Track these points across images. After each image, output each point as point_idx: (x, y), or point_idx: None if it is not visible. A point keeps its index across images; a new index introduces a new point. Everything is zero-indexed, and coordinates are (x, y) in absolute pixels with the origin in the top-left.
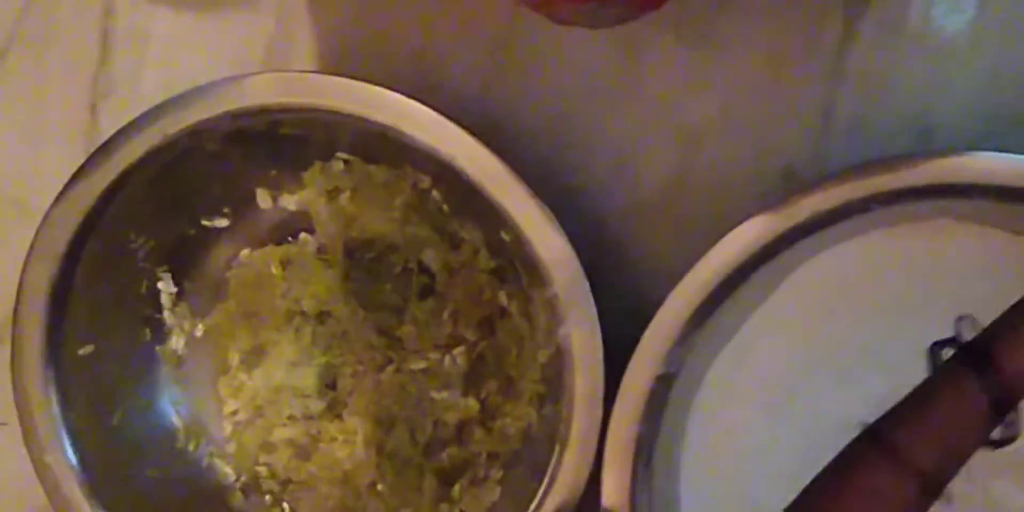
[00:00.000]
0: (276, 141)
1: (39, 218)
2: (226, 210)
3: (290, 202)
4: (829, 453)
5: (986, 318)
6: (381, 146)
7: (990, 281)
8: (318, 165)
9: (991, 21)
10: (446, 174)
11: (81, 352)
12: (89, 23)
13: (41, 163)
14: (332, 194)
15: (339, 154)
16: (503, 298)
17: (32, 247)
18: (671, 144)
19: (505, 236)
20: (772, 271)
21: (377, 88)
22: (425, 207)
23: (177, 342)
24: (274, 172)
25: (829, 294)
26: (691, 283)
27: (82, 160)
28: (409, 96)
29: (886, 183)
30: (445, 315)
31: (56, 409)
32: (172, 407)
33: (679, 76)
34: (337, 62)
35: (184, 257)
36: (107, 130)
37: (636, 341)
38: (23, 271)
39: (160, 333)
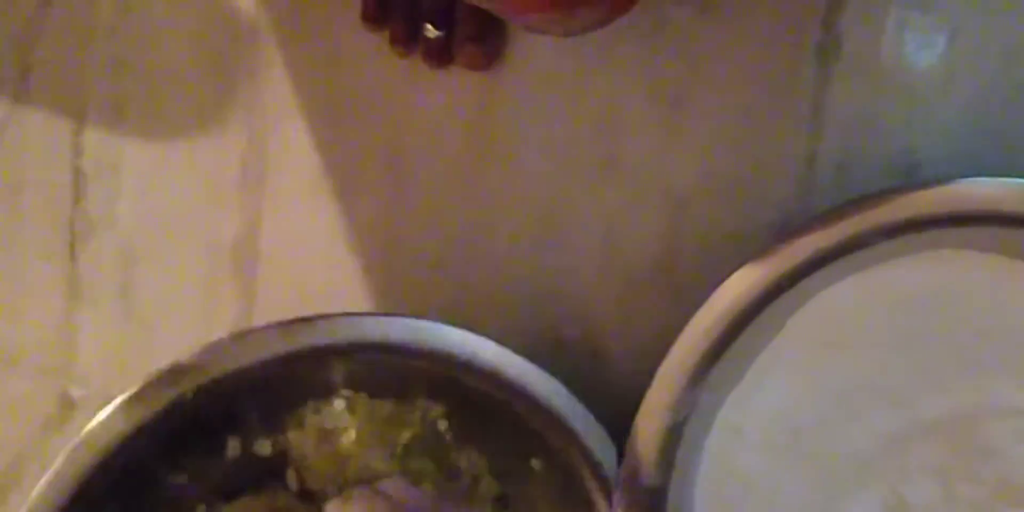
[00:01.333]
0: (257, 385)
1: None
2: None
3: (265, 447)
4: (838, 492)
5: (992, 345)
6: (389, 377)
7: (994, 308)
8: (311, 405)
9: (962, 53)
10: (468, 401)
11: None
12: (59, 164)
13: (23, 314)
14: (327, 435)
15: (341, 391)
16: None
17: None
18: (658, 212)
19: (535, 463)
20: (775, 313)
21: (395, 318)
22: (427, 438)
23: None
24: (253, 415)
25: (832, 332)
26: (694, 330)
27: (67, 304)
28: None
29: (881, 216)
30: None
31: None
32: None
33: (657, 142)
34: (311, 172)
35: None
36: (88, 271)
37: None
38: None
39: None
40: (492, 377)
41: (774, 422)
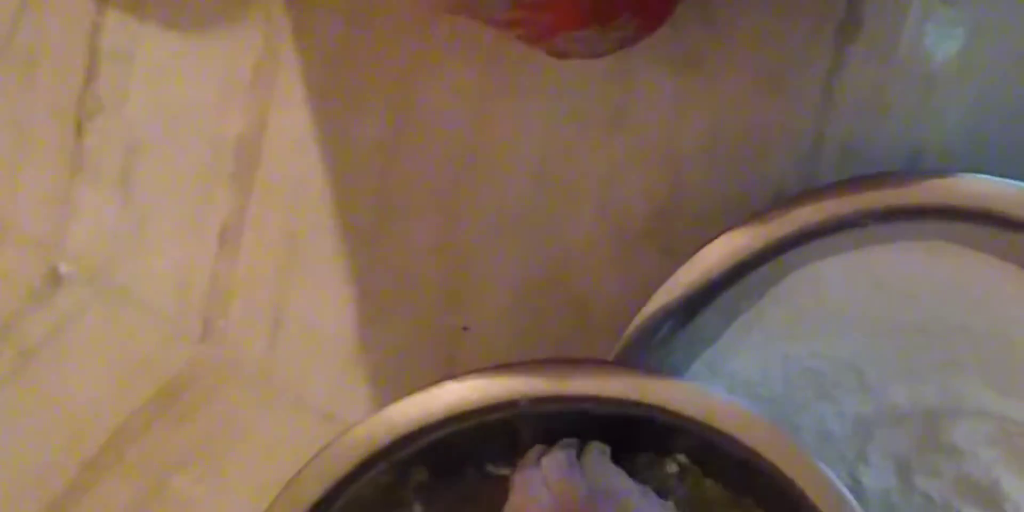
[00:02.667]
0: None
1: (18, 236)
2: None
3: None
4: None
5: (969, 344)
6: (723, 462)
7: (977, 307)
8: (648, 455)
9: (982, 49)
10: None
11: None
12: (77, 41)
13: (23, 183)
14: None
15: (677, 456)
16: None
17: (313, 462)
18: (659, 173)
19: None
20: (757, 280)
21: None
22: None
23: None
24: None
25: (811, 308)
26: (674, 285)
27: (66, 178)
28: None
29: (877, 199)
30: None
31: None
32: None
33: (667, 104)
34: (324, 82)
35: (447, 496)
36: (92, 151)
37: None
38: (293, 480)
39: None
40: None
41: (742, 389)
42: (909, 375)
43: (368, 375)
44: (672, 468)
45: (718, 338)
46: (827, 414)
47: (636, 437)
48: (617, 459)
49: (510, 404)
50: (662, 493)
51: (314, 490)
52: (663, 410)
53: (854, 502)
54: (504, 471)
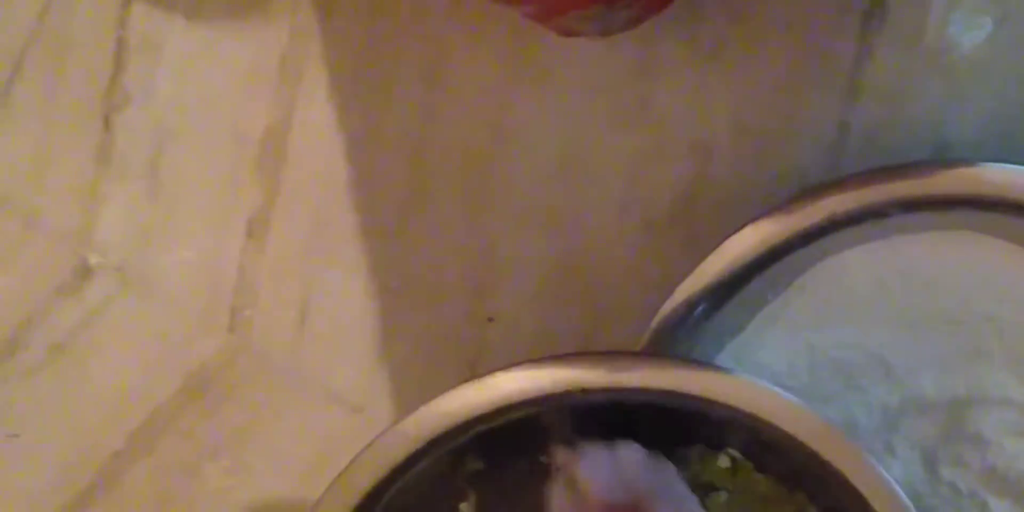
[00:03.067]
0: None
1: (47, 227)
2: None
3: None
4: None
5: (997, 334)
6: (776, 457)
7: (1005, 297)
8: (700, 448)
9: (1008, 38)
10: None
11: None
12: (104, 33)
13: (51, 175)
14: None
15: (729, 450)
16: None
17: (365, 452)
18: (683, 162)
19: None
20: (783, 270)
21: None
22: None
23: None
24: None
25: (838, 298)
26: (700, 276)
27: (94, 170)
28: None
29: (903, 189)
30: None
31: None
32: None
33: (691, 91)
34: (350, 72)
35: (500, 486)
36: (120, 143)
37: None
38: (344, 471)
39: None
40: None
41: (768, 380)
42: (935, 365)
43: (395, 365)
44: (724, 462)
45: (744, 329)
46: (853, 405)
47: (688, 430)
48: (669, 453)
49: (563, 395)
50: (713, 487)
51: (366, 480)
52: (715, 403)
53: (906, 499)
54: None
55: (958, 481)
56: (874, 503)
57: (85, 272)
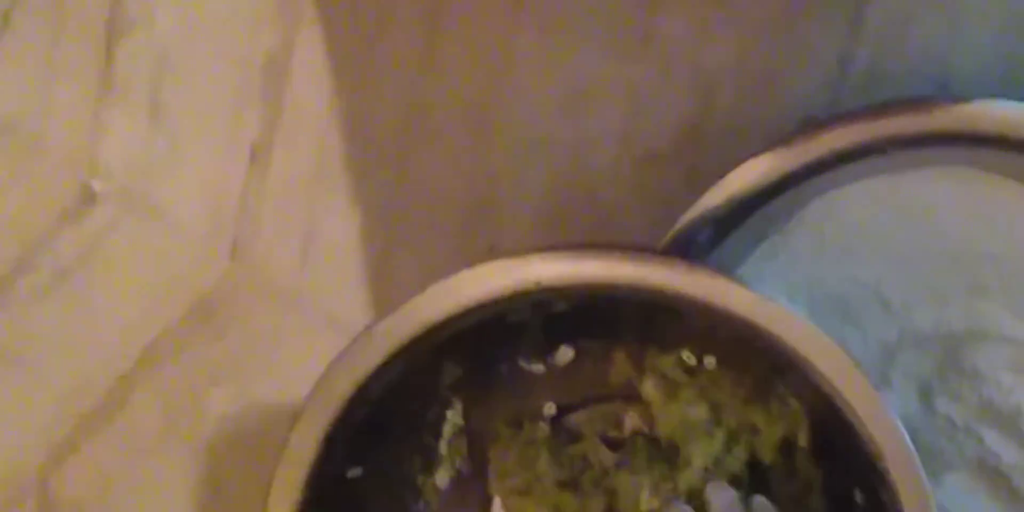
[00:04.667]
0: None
1: (51, 154)
2: (540, 356)
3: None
4: None
5: (995, 270)
6: (751, 355)
7: (1003, 233)
8: (675, 351)
9: None
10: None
11: (349, 474)
12: None
13: (55, 102)
14: (670, 388)
15: (707, 358)
16: None
17: (344, 355)
18: (686, 96)
19: (858, 496)
20: (783, 204)
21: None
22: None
23: (442, 477)
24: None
25: (837, 233)
26: (701, 209)
27: (97, 97)
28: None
29: (904, 126)
30: None
31: None
32: None
33: (694, 26)
34: (349, 5)
35: (485, 392)
36: (122, 70)
37: None
38: (324, 376)
39: (430, 463)
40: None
41: None
42: (933, 300)
43: (396, 292)
44: (691, 361)
45: (743, 263)
46: (851, 339)
47: (664, 334)
48: (641, 355)
49: (524, 292)
50: (685, 387)
51: (346, 386)
52: (680, 295)
53: (868, 378)
54: (536, 367)
55: (953, 414)
56: (843, 390)
57: (89, 198)
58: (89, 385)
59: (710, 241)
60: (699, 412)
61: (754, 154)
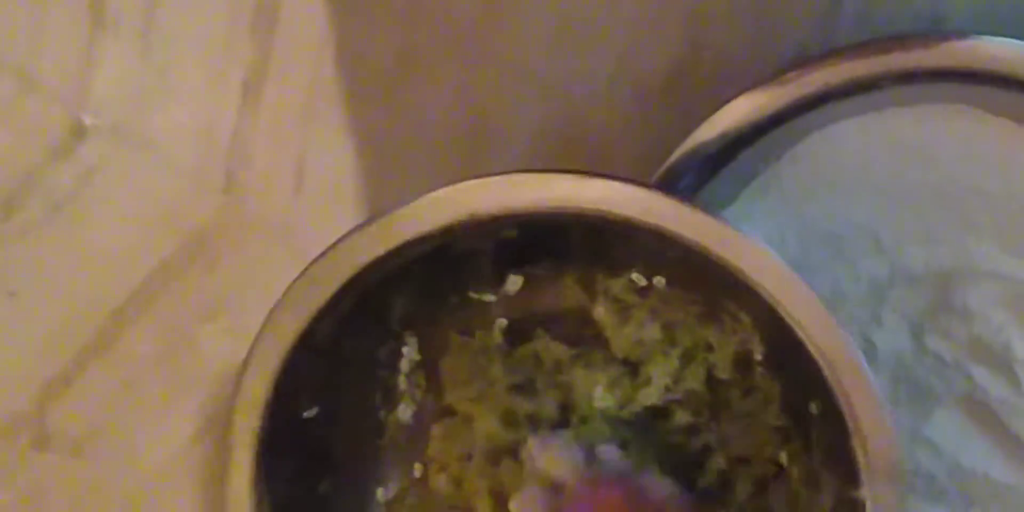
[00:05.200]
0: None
1: (42, 88)
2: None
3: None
4: None
5: (987, 207)
6: (703, 273)
7: (995, 170)
8: (624, 275)
9: None
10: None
11: (305, 415)
12: None
13: (45, 31)
14: (622, 311)
15: (656, 279)
16: (783, 459)
17: (286, 296)
18: (678, 31)
19: (813, 407)
20: (774, 141)
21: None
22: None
23: (404, 412)
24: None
25: (829, 170)
26: (691, 145)
27: (88, 30)
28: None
29: (897, 61)
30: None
31: (260, 468)
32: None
33: None
34: None
35: (437, 326)
36: (112, 4)
37: None
38: (268, 318)
39: (390, 398)
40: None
41: None
42: (924, 237)
43: None
44: (641, 281)
45: (735, 200)
46: (842, 276)
47: (612, 258)
48: (591, 279)
49: (462, 223)
50: (630, 307)
51: (294, 322)
52: (611, 215)
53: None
54: (487, 296)
55: (944, 352)
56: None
57: (80, 132)
58: (82, 320)
59: (700, 178)
60: (653, 332)
61: (745, 90)
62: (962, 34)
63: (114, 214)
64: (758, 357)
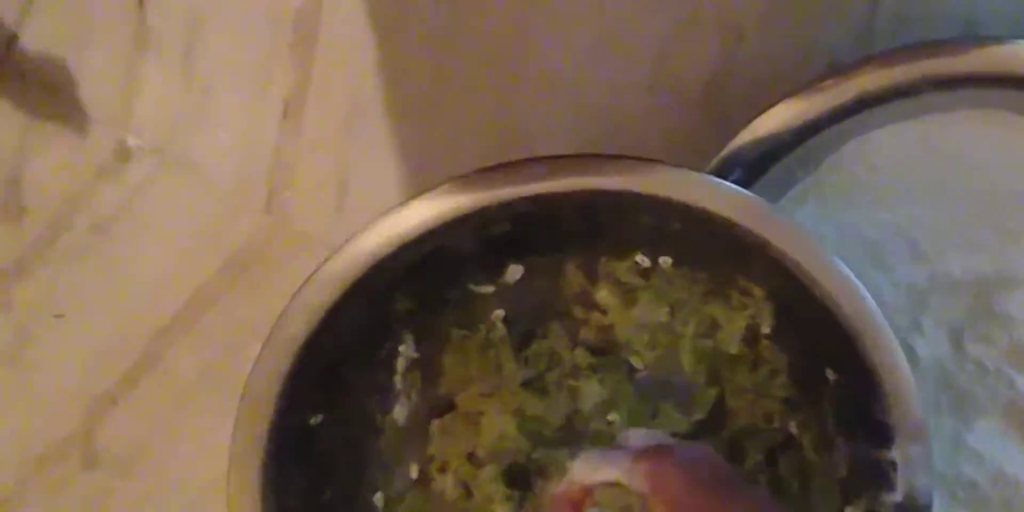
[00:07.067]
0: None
1: (86, 111)
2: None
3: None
4: None
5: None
6: (712, 249)
7: None
8: (630, 256)
9: None
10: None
11: (312, 422)
12: None
13: (90, 60)
14: (627, 293)
15: (662, 259)
16: (793, 428)
17: (294, 300)
18: (715, 41)
19: (829, 373)
20: (813, 148)
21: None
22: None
23: (400, 412)
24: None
25: (867, 177)
26: (731, 154)
27: (131, 56)
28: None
29: (934, 67)
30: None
31: (268, 480)
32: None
33: None
34: None
35: (436, 321)
36: (155, 26)
37: None
38: (275, 328)
39: (386, 400)
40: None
41: None
42: (964, 244)
43: None
44: (645, 263)
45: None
46: (881, 283)
47: (612, 241)
48: (593, 264)
49: (460, 220)
50: (635, 289)
51: (301, 328)
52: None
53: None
54: (485, 288)
55: (984, 358)
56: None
57: (124, 154)
58: (128, 340)
59: (740, 185)
60: (659, 314)
61: (783, 98)
62: (998, 39)
63: (158, 235)
64: (766, 330)
